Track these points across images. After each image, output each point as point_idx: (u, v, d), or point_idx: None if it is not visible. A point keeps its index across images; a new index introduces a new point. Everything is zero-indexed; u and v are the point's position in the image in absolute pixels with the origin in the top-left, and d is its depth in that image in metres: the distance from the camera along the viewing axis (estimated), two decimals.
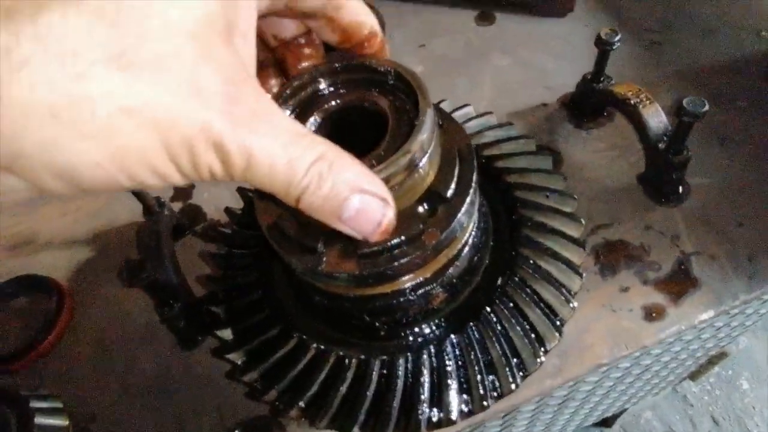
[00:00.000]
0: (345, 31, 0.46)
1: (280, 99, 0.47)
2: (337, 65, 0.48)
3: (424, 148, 0.42)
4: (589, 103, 0.94)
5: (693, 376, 1.90)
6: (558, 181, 0.60)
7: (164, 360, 0.81)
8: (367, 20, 0.46)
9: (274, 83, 0.48)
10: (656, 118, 0.79)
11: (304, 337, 0.54)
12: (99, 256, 0.93)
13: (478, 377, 0.50)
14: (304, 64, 0.48)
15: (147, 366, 0.80)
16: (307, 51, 0.48)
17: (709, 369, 1.87)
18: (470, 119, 0.67)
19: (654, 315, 0.74)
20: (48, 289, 0.87)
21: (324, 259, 0.46)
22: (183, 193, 0.99)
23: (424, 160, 0.43)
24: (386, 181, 0.40)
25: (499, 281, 0.55)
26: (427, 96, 0.44)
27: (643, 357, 0.86)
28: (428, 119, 0.42)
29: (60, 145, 0.29)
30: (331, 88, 0.49)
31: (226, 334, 0.59)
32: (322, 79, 0.48)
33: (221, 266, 0.65)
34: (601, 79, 0.90)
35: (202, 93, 0.31)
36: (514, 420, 0.98)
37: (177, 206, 0.96)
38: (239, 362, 0.57)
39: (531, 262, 0.54)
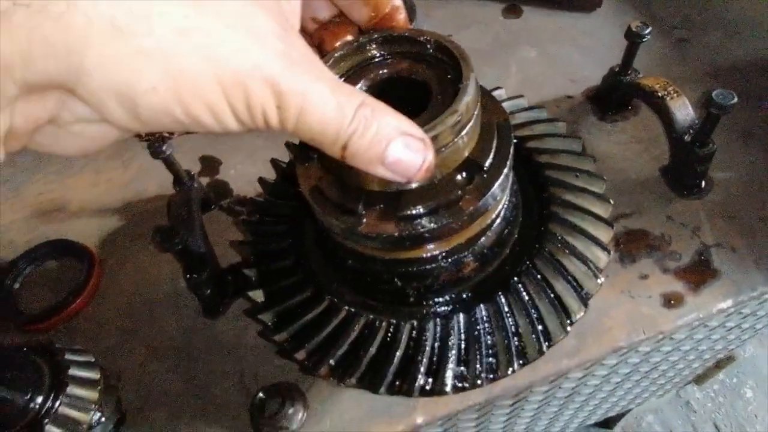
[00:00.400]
0: (374, 6, 0.48)
1: (328, 64, 0.49)
2: (378, 36, 0.50)
3: (469, 109, 0.44)
4: (615, 96, 0.95)
5: (698, 380, 1.90)
6: (587, 163, 0.61)
7: (189, 326, 0.83)
8: None
9: None
10: (683, 111, 0.80)
11: (335, 300, 0.56)
12: (128, 224, 0.95)
13: (505, 343, 0.51)
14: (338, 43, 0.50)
15: (172, 330, 0.82)
16: (344, 30, 0.50)
17: (714, 373, 1.87)
18: (502, 101, 0.68)
19: (672, 302, 0.75)
20: (79, 253, 0.89)
21: (364, 220, 0.48)
22: (210, 168, 1.01)
23: (470, 124, 0.45)
24: (433, 140, 0.42)
25: (528, 255, 0.57)
26: (469, 62, 0.46)
27: (653, 353, 0.87)
28: (472, 82, 0.44)
29: (119, 61, 0.30)
30: (377, 59, 0.50)
31: (258, 295, 0.61)
32: (368, 48, 0.50)
33: (254, 233, 0.67)
34: (629, 72, 0.91)
35: (257, 32, 0.32)
36: (521, 410, 0.99)
37: (204, 181, 0.99)
38: (270, 323, 0.59)
39: (559, 237, 0.56)
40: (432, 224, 0.47)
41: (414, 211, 0.47)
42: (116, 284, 0.88)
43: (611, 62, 1.01)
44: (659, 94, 0.83)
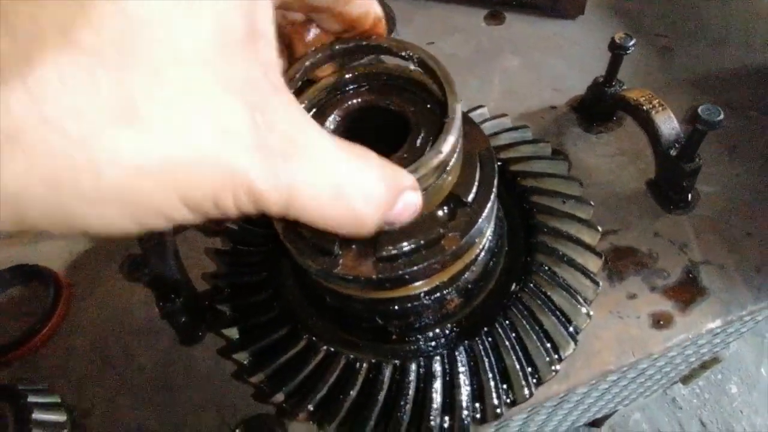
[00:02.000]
0: (352, 22, 0.44)
1: (301, 98, 0.46)
2: (352, 44, 0.47)
3: (454, 148, 0.41)
4: (599, 107, 0.94)
5: (684, 380, 1.92)
6: (574, 187, 0.59)
7: (164, 355, 0.79)
8: (372, 8, 0.45)
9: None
10: (669, 125, 0.79)
11: (314, 338, 0.53)
12: (99, 249, 0.91)
13: (492, 384, 0.49)
14: (312, 49, 0.46)
15: (146, 361, 0.79)
16: (314, 32, 0.46)
17: (700, 373, 1.88)
18: (485, 120, 0.66)
19: (661, 323, 0.73)
20: (45, 279, 0.85)
21: (340, 261, 0.45)
22: None
23: (453, 161, 0.42)
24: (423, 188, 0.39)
25: (514, 287, 0.54)
26: (455, 91, 0.43)
27: (644, 362, 0.86)
28: (457, 118, 0.41)
29: (65, 212, 0.25)
30: (350, 83, 0.47)
31: (232, 332, 0.58)
32: (341, 77, 0.47)
33: (227, 263, 0.64)
34: (613, 83, 0.89)
35: (226, 133, 0.27)
36: (510, 420, 0.97)
37: None
38: (246, 362, 0.56)
39: (546, 268, 0.53)
40: (413, 265, 0.44)
41: (393, 251, 0.44)
42: (86, 311, 0.84)
43: (596, 71, 0.99)
44: (644, 108, 0.81)
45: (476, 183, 0.46)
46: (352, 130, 0.47)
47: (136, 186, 0.25)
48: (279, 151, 0.29)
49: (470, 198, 0.45)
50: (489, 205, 0.46)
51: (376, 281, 0.45)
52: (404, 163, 0.41)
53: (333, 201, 0.32)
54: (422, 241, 0.44)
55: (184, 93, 0.25)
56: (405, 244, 0.44)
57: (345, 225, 0.33)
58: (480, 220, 0.45)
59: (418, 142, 0.43)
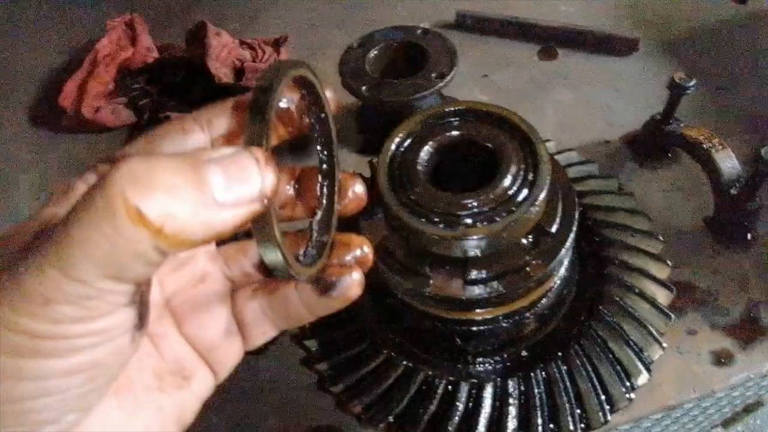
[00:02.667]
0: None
1: (399, 128, 0.50)
2: (451, 109, 0.52)
3: (545, 192, 0.45)
4: (655, 144, 0.96)
5: (725, 423, 1.85)
6: (643, 221, 0.62)
7: None
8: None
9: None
10: (729, 163, 0.80)
11: (393, 353, 0.57)
12: None
13: (567, 408, 0.51)
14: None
15: None
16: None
17: (743, 417, 1.82)
18: (553, 154, 0.69)
19: (723, 360, 0.74)
20: None
21: (430, 281, 0.49)
22: None
23: (542, 197, 0.45)
24: (515, 219, 0.43)
25: (584, 316, 0.57)
26: (544, 146, 0.47)
27: (707, 400, 0.85)
28: (547, 166, 0.45)
29: None
30: (446, 119, 0.52)
31: (312, 343, 0.62)
32: (440, 110, 0.51)
33: None
34: (670, 121, 0.91)
35: None
36: None
37: None
38: (326, 373, 0.59)
39: (618, 299, 0.56)
40: (499, 289, 0.47)
41: (481, 275, 0.47)
42: None
43: (649, 107, 1.02)
44: (704, 146, 0.83)
45: (559, 214, 0.49)
46: (445, 161, 0.51)
47: None
48: None
49: (554, 228, 0.49)
50: (571, 235, 0.49)
51: (464, 302, 0.48)
52: (496, 203, 0.45)
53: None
54: (508, 267, 0.48)
55: None
56: (492, 269, 0.48)
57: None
58: (564, 249, 0.48)
59: (509, 178, 0.47)
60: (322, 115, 0.35)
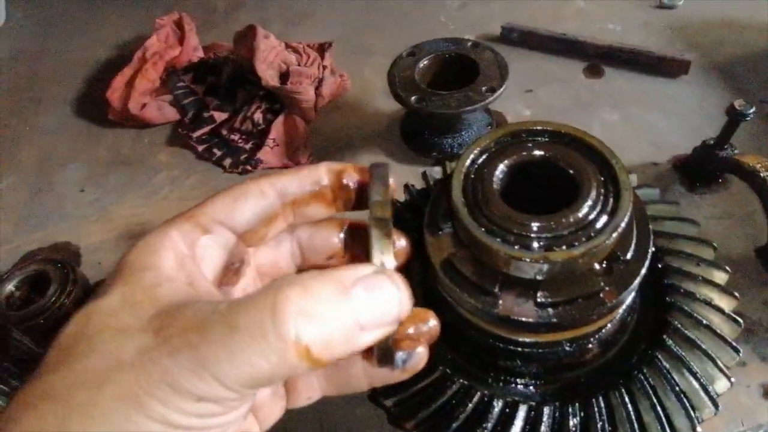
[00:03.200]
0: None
1: (473, 145, 0.50)
2: (529, 128, 0.51)
3: (626, 219, 0.44)
4: (706, 169, 0.94)
5: None
6: (707, 251, 0.60)
7: None
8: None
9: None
10: None
11: (448, 371, 0.56)
12: None
13: None
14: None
15: None
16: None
17: None
18: None
19: None
20: None
21: (500, 302, 0.48)
22: None
23: (623, 225, 0.45)
24: (595, 246, 0.43)
25: (645, 344, 0.56)
26: (626, 172, 0.47)
27: None
28: (629, 193, 0.45)
29: None
30: (522, 138, 0.51)
31: None
32: (517, 128, 0.51)
33: None
34: (725, 146, 0.90)
35: None
36: None
37: None
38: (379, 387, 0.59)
39: (682, 329, 0.55)
40: (572, 314, 0.47)
41: (553, 299, 0.47)
42: None
43: (698, 130, 1.01)
44: (761, 174, 0.82)
45: (634, 241, 0.49)
46: (519, 181, 0.51)
47: None
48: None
49: (629, 256, 0.48)
50: (646, 263, 0.48)
51: (533, 325, 0.48)
52: (576, 227, 0.44)
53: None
54: (581, 293, 0.47)
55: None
56: (564, 292, 0.47)
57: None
58: (638, 277, 0.47)
59: (589, 203, 0.46)
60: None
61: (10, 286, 0.90)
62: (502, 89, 0.97)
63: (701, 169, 0.95)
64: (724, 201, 0.95)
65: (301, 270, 0.42)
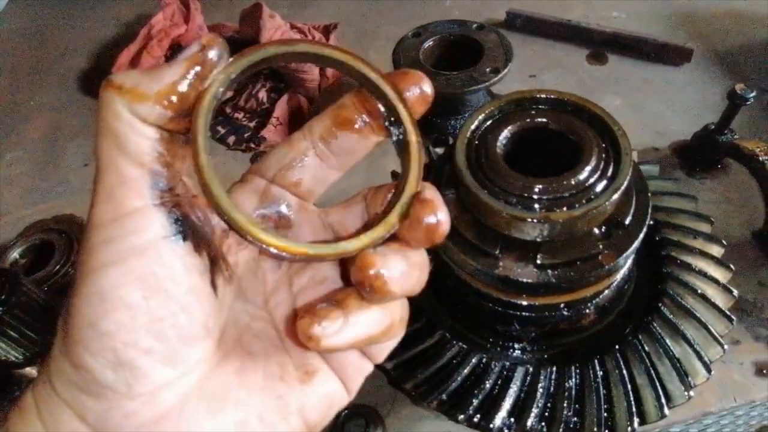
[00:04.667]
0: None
1: (479, 110, 0.51)
2: (531, 96, 0.52)
3: (626, 182, 0.46)
4: (706, 154, 0.95)
5: None
6: (704, 225, 0.62)
7: None
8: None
9: None
10: None
11: (447, 334, 0.57)
12: None
13: (623, 400, 0.51)
14: None
15: None
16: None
17: None
18: None
19: (765, 372, 0.73)
20: None
21: (500, 263, 0.49)
22: None
23: (623, 188, 0.46)
24: (594, 207, 0.44)
25: (642, 312, 0.57)
26: (626, 138, 0.48)
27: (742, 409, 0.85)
28: (629, 157, 0.46)
29: None
30: (526, 105, 0.52)
31: None
32: (525, 96, 0.52)
33: None
34: (725, 131, 0.91)
35: None
36: None
37: None
38: None
39: (678, 299, 0.56)
40: (570, 275, 0.48)
41: (552, 261, 0.48)
42: None
43: (699, 117, 1.01)
44: (760, 158, 0.83)
45: (633, 207, 0.50)
46: (521, 146, 0.52)
47: None
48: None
49: (628, 221, 0.49)
50: (644, 229, 0.49)
51: (532, 286, 0.49)
52: (576, 190, 0.45)
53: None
54: (580, 255, 0.48)
55: None
56: (563, 255, 0.48)
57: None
58: (636, 242, 0.48)
59: (589, 167, 0.47)
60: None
61: (14, 254, 0.91)
62: (506, 70, 0.98)
63: (701, 153, 0.96)
64: (722, 186, 0.96)
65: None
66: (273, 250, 0.27)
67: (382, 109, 0.32)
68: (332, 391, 0.32)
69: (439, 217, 0.30)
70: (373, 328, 0.30)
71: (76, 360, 0.26)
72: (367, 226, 0.32)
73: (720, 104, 0.97)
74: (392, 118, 0.31)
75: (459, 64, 1.01)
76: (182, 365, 0.28)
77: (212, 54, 0.27)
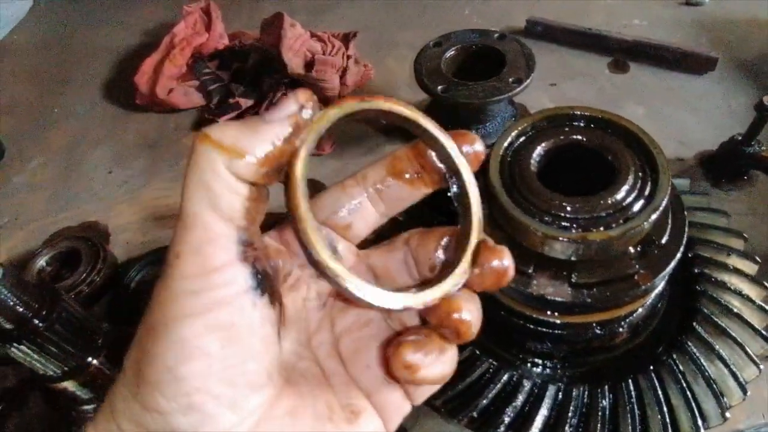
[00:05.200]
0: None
1: (512, 126, 0.51)
2: (567, 113, 0.52)
3: (664, 202, 0.45)
4: (732, 165, 0.94)
5: None
6: (738, 241, 0.61)
7: None
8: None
9: None
10: None
11: (477, 351, 0.57)
12: None
13: (658, 420, 0.51)
14: None
15: None
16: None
17: None
18: None
19: None
20: None
21: (534, 282, 0.49)
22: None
23: (661, 208, 0.46)
24: (632, 228, 0.43)
25: (676, 331, 0.56)
26: (664, 157, 0.47)
27: None
28: (667, 177, 0.45)
29: None
30: (561, 122, 0.52)
31: None
32: (559, 112, 0.52)
33: None
34: (753, 143, 0.90)
35: None
36: None
37: None
38: None
39: (712, 317, 0.55)
40: (605, 295, 0.47)
41: (587, 280, 0.48)
42: None
43: (724, 127, 1.00)
44: None
45: (669, 226, 0.49)
46: (555, 164, 0.52)
47: None
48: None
49: (664, 240, 0.49)
50: (681, 248, 0.49)
51: (567, 305, 0.48)
52: (613, 210, 0.45)
53: None
54: (615, 275, 0.48)
55: None
56: (598, 274, 0.48)
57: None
58: (673, 261, 0.48)
59: (626, 186, 0.47)
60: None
61: (41, 262, 0.92)
62: (528, 80, 0.97)
63: (727, 164, 0.95)
64: (748, 197, 0.94)
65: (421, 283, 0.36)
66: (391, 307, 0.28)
67: (440, 164, 0.33)
68: (375, 430, 0.33)
69: (505, 263, 0.32)
70: (450, 367, 0.31)
71: (149, 403, 0.27)
72: (437, 273, 0.33)
73: (744, 113, 0.95)
74: (452, 171, 0.33)
75: (480, 74, 1.01)
76: (245, 410, 0.28)
77: (308, 114, 0.28)
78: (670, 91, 1.16)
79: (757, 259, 0.60)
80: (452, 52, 1.05)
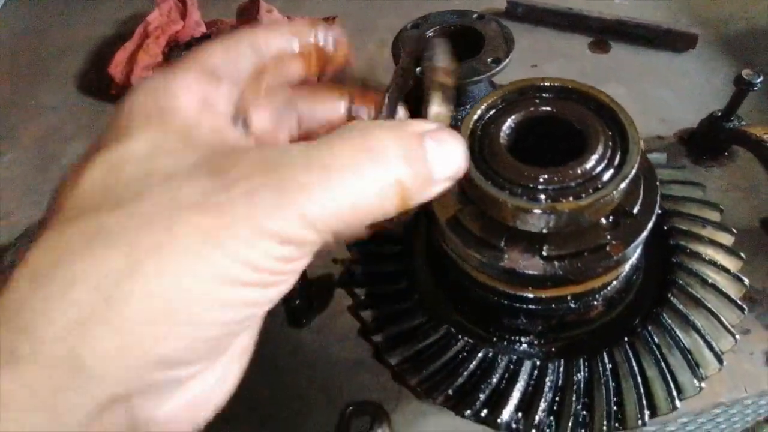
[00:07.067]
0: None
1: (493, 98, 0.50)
2: (535, 84, 0.51)
3: (634, 171, 0.44)
4: (712, 141, 0.94)
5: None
6: (714, 213, 0.60)
7: (274, 335, 0.84)
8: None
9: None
10: None
11: (452, 329, 0.56)
12: None
13: (633, 393, 0.50)
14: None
15: (260, 337, 0.84)
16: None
17: (764, 428, 1.79)
18: None
19: None
20: None
21: (506, 255, 0.48)
22: None
23: (630, 176, 0.45)
24: (602, 197, 0.42)
25: (650, 303, 0.56)
26: (634, 127, 0.46)
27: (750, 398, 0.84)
28: (637, 146, 0.45)
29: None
30: (530, 94, 0.51)
31: (366, 315, 0.62)
32: (527, 84, 0.51)
33: (361, 253, 0.68)
34: (732, 118, 0.89)
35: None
36: None
37: None
38: (381, 345, 0.59)
39: (687, 289, 0.55)
40: (577, 267, 0.47)
41: (560, 251, 0.47)
42: None
43: (704, 104, 1.00)
44: (767, 144, 0.81)
45: (641, 196, 0.49)
46: (525, 136, 0.51)
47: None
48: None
49: (636, 210, 0.48)
50: (653, 218, 0.48)
51: (539, 278, 0.48)
52: (583, 179, 0.44)
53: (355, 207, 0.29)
54: (587, 246, 0.47)
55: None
56: (570, 246, 0.47)
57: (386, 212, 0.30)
58: (645, 231, 0.47)
59: (596, 156, 0.46)
60: None
61: (14, 257, 0.90)
62: (507, 60, 0.96)
63: (708, 141, 0.95)
64: (730, 173, 0.94)
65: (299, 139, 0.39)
66: None
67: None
68: None
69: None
70: None
71: None
72: None
73: (725, 90, 0.95)
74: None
75: (459, 55, 0.99)
76: None
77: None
78: (652, 70, 1.15)
79: (733, 230, 0.59)
80: (430, 34, 1.03)
